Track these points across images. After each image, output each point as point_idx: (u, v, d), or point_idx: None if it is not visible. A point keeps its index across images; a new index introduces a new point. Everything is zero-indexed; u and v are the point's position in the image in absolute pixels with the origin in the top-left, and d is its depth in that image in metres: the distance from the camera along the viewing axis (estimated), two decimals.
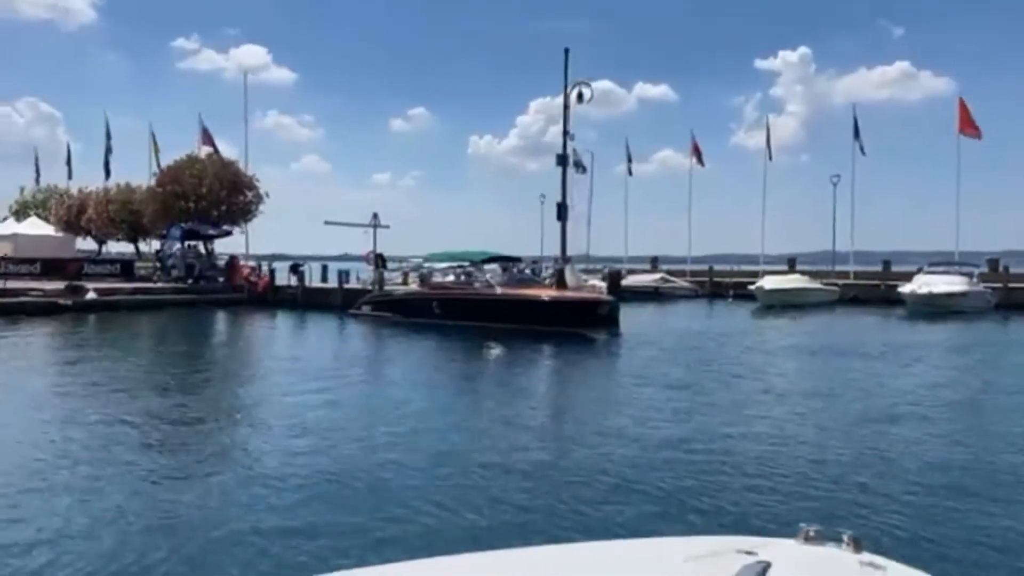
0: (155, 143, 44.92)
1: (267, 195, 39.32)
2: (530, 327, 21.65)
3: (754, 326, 27.71)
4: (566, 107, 26.36)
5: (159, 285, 33.26)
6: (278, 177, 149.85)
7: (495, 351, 19.14)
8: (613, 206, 49.26)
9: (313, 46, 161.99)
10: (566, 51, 26.41)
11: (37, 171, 57.56)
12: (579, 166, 58.95)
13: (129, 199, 41.31)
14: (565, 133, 26.56)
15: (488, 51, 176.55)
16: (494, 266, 25.55)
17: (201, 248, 36.97)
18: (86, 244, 49.40)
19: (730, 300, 39.18)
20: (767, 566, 1.58)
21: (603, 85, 57.33)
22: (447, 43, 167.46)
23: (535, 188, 50.61)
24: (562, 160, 26.62)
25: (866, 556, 1.84)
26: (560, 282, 25.02)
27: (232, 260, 36.18)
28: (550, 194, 55.01)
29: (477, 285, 23.51)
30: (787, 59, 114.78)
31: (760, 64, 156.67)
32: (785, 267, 49.89)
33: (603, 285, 28.00)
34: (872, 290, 39.90)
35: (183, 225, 34.95)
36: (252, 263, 37.41)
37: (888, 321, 30.54)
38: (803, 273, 42.97)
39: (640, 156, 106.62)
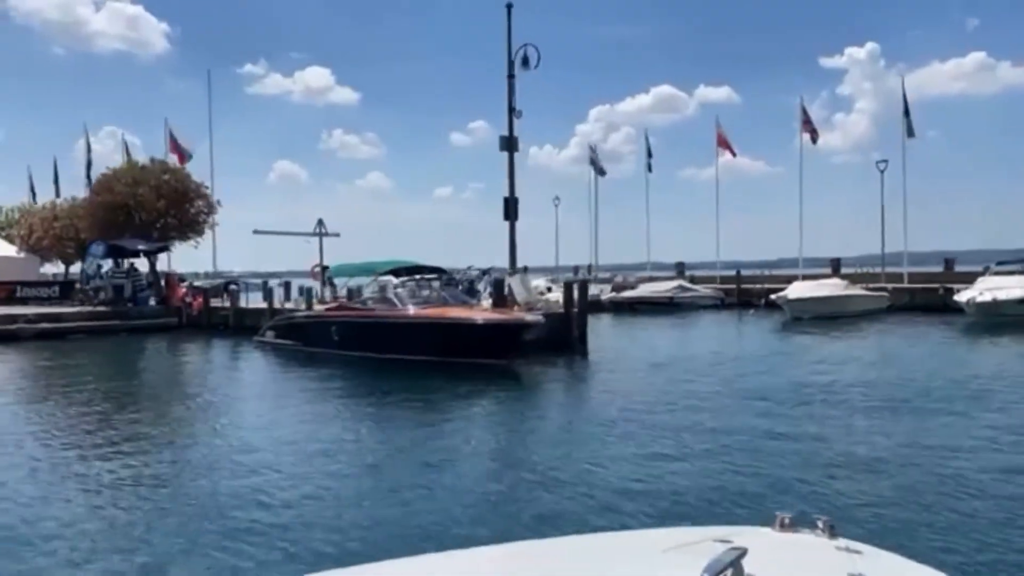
0: (127, 152, 40.77)
1: (219, 203, 34.90)
2: (444, 359, 16.29)
3: (771, 349, 21.63)
4: (511, 76, 20.94)
5: (74, 310, 28.94)
6: (344, 194, 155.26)
7: (348, 405, 13.85)
8: (676, 212, 43.99)
9: (374, 66, 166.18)
10: (508, 7, 21.02)
11: (32, 191, 54.81)
12: (598, 168, 53.80)
13: (76, 214, 37.41)
14: (511, 111, 21.13)
15: (547, 60, 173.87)
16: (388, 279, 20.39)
17: (142, 265, 32.67)
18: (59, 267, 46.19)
19: (753, 312, 32.91)
20: (743, 552, 1.49)
21: (664, 90, 52.17)
22: (501, 55, 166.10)
23: (601, 196, 45.83)
24: (508, 144, 21.17)
25: (841, 541, 1.85)
26: (500, 298, 19.57)
27: (168, 279, 31.74)
28: (611, 200, 50.26)
29: (383, 306, 18.15)
30: (854, 56, 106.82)
31: (825, 62, 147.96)
32: (828, 271, 43.32)
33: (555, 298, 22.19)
34: (929, 295, 33.16)
35: (108, 241, 30.63)
36: (203, 283, 32.94)
37: (945, 336, 24.11)
38: (847, 277, 36.36)
39: (703, 160, 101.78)
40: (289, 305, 25.98)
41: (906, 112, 38.38)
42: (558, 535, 2.96)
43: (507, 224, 21.06)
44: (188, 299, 30.29)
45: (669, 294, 37.55)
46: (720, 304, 38.64)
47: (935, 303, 31.69)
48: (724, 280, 43.02)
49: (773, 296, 29.53)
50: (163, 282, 31.87)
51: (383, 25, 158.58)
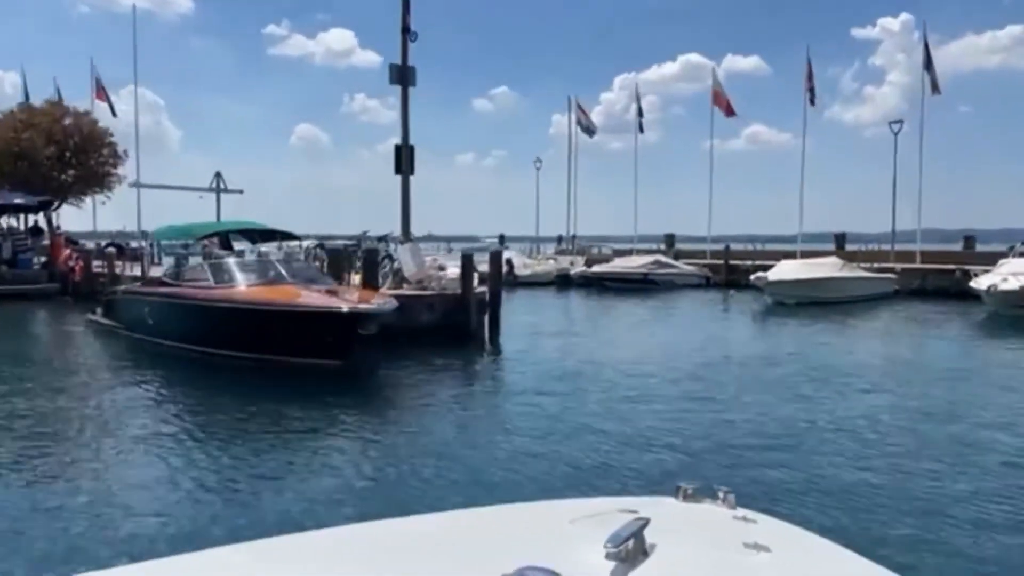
0: (26, 93, 36.14)
1: (125, 154, 30.54)
2: (260, 356, 11.86)
3: (732, 348, 16.94)
4: None
5: None
6: (366, 159, 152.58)
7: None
8: (696, 183, 39.19)
9: (398, 29, 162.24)
10: None
11: None
12: (588, 130, 48.73)
13: None
14: (405, 32, 16.45)
15: (572, 27, 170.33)
16: (271, 247, 15.86)
17: (31, 223, 28.50)
18: None
19: (732, 294, 28.11)
20: (646, 522, 1.54)
21: (691, 59, 46.82)
22: (531, 20, 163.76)
23: (618, 167, 40.76)
24: (400, 74, 16.51)
25: (740, 511, 1.90)
26: (370, 274, 15.03)
27: (53, 240, 27.50)
28: (630, 169, 45.26)
29: (192, 283, 13.62)
30: (887, 26, 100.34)
31: (857, 33, 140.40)
32: (831, 247, 38.35)
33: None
34: (944, 278, 28.23)
35: None
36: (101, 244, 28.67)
37: (957, 333, 19.40)
38: (850, 256, 31.47)
39: (729, 131, 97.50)
40: (156, 273, 21.62)
41: (928, 65, 33.09)
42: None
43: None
44: (71, 263, 26.10)
45: (643, 270, 32.79)
46: (705, 283, 33.89)
47: (950, 288, 26.80)
48: (714, 255, 38.15)
49: (753, 277, 24.69)
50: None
51: None
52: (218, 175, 23.96)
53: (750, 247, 38.80)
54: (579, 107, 45.27)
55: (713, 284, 33.65)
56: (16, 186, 27.67)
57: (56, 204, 29.10)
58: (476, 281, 16.31)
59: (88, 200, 32.00)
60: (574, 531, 1.69)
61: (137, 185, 26.04)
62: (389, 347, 13.63)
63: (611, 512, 1.73)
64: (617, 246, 46.09)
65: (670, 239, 43.82)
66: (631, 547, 1.47)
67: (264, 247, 17.57)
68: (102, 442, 8.26)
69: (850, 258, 29.98)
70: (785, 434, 8.59)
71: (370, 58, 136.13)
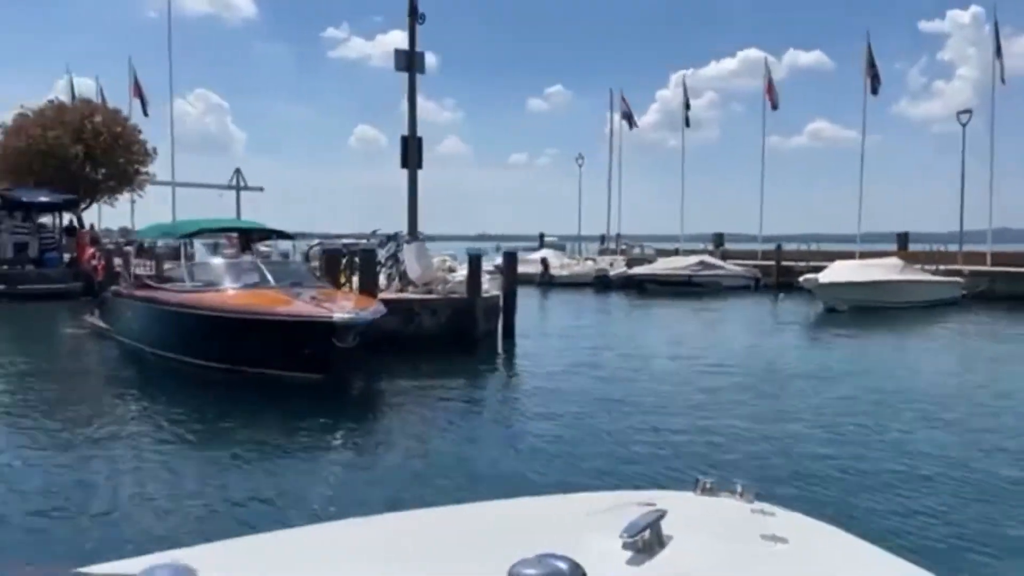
0: (72, 95, 36.12)
1: (155, 151, 30.10)
2: (233, 367, 10.74)
3: (773, 361, 15.14)
4: None
5: None
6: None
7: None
8: (754, 180, 37.37)
9: (456, 29, 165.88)
10: None
11: None
12: (629, 119, 46.97)
13: None
14: (413, 14, 15.17)
15: (628, 24, 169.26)
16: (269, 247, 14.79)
17: (59, 221, 28.19)
18: None
19: (782, 297, 26.05)
20: (662, 514, 1.55)
21: (751, 54, 44.87)
22: (585, 18, 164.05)
23: (674, 164, 39.18)
24: (407, 59, 15.25)
25: (757, 504, 1.89)
26: (368, 277, 13.78)
27: (78, 238, 27.10)
28: (684, 166, 43.40)
29: (169, 285, 12.59)
30: (957, 19, 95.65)
31: (925, 26, 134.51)
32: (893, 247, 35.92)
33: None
34: (1017, 281, 25.79)
35: (3, 191, 26.14)
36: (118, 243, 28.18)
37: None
38: (912, 256, 29.17)
39: (792, 128, 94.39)
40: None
41: (998, 51, 30.51)
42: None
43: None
44: (94, 262, 25.62)
45: (687, 272, 30.96)
46: (754, 285, 31.89)
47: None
48: (766, 256, 36.03)
49: (802, 279, 22.72)
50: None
51: None
52: (238, 172, 23.23)
53: (804, 247, 36.48)
54: (622, 98, 43.69)
55: (763, 286, 31.65)
56: (45, 184, 27.38)
57: (86, 203, 28.76)
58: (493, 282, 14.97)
59: (121, 199, 31.67)
60: (591, 522, 1.69)
61: (153, 183, 25.38)
62: (385, 356, 12.45)
63: (628, 505, 1.73)
64: (662, 246, 44.26)
65: (718, 238, 41.80)
66: (647, 537, 1.48)
67: (270, 246, 16.58)
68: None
69: (912, 259, 27.73)
70: (824, 474, 7.01)
71: (428, 60, 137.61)
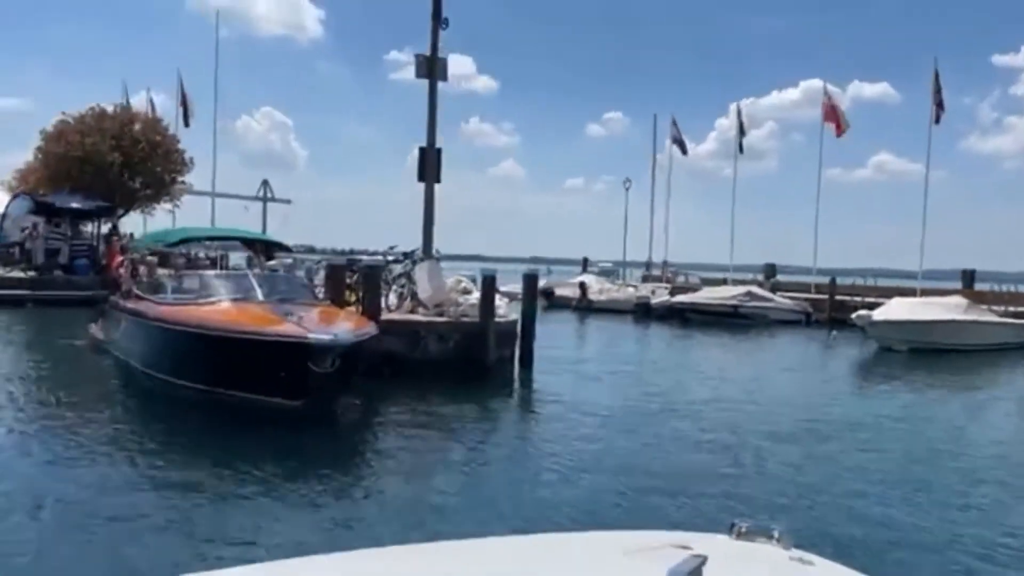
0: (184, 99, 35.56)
1: (192, 162, 29.88)
2: (210, 388, 9.83)
3: (818, 406, 13.60)
4: None
5: None
6: (475, 181, 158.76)
7: None
8: (811, 212, 35.73)
9: (516, 54, 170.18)
10: None
11: None
12: (681, 144, 45.57)
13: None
14: (436, 18, 14.27)
15: (689, 52, 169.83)
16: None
17: (99, 228, 28.05)
18: None
19: (833, 336, 24.24)
20: (704, 560, 1.49)
21: (814, 84, 43.49)
22: (646, 46, 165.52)
23: (729, 193, 37.92)
24: (428, 66, 14.31)
25: (795, 552, 1.86)
26: (370, 298, 12.76)
27: (109, 244, 26.83)
28: (736, 192, 41.78)
29: (150, 296, 11.78)
30: None
31: (999, 60, 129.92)
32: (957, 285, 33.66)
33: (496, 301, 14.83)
34: None
35: (34, 196, 26.07)
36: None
37: None
38: (977, 296, 27.07)
39: (855, 160, 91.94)
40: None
41: None
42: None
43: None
44: (121, 270, 25.29)
45: (733, 302, 29.31)
46: (805, 319, 30.05)
47: None
48: (819, 289, 34.08)
49: (855, 315, 20.96)
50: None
51: (526, 13, 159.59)
52: (265, 183, 22.77)
53: (860, 281, 34.44)
54: (673, 123, 42.35)
55: (814, 321, 29.78)
56: (83, 191, 27.28)
57: (122, 211, 28.59)
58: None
59: (159, 208, 31.55)
60: (629, 564, 1.67)
61: (190, 193, 25.03)
62: (386, 381, 11.46)
63: (663, 547, 1.72)
64: (710, 275, 42.52)
65: (770, 269, 39.81)
66: None
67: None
68: None
69: (978, 299, 25.67)
70: (866, 532, 5.63)
71: (487, 83, 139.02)
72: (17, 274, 24.94)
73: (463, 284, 14.19)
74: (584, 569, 1.65)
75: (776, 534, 1.90)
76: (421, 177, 14.24)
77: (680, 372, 17.22)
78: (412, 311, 13.83)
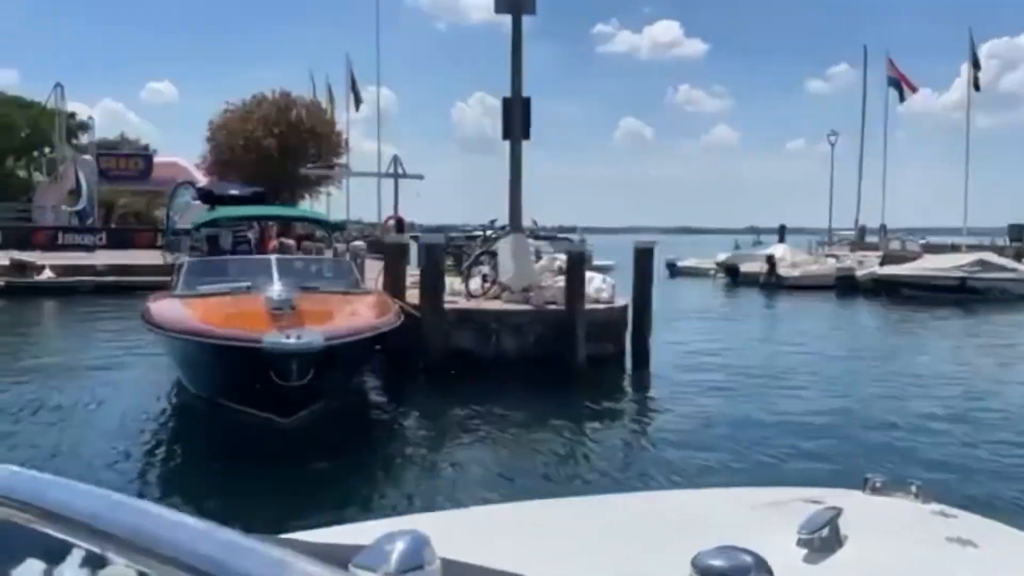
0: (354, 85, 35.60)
1: (346, 144, 29.40)
2: (212, 398, 8.22)
3: None
4: None
5: (149, 263, 25.39)
6: (687, 149, 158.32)
7: None
8: None
9: (725, 14, 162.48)
10: None
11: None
12: (899, 88, 38.81)
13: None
14: None
15: None
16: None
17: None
18: None
19: None
20: (839, 512, 1.43)
21: None
22: None
23: (983, 147, 32.66)
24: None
25: (935, 506, 1.77)
26: (430, 279, 10.40)
27: (264, 230, 26.86)
28: (969, 142, 35.40)
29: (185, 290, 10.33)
30: None
31: None
32: None
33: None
34: None
35: (195, 184, 26.59)
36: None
37: None
38: None
39: None
40: None
41: None
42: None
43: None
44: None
45: (960, 273, 23.64)
46: None
47: None
48: None
49: None
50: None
51: None
52: (395, 159, 21.17)
53: None
54: (889, 62, 35.88)
55: None
56: (245, 177, 27.69)
57: (286, 196, 28.75)
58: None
59: (325, 192, 31.63)
60: (761, 516, 1.66)
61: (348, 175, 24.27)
62: (449, 383, 9.28)
63: (796, 501, 1.69)
64: (939, 239, 35.79)
65: (1016, 231, 32.55)
66: (825, 535, 1.40)
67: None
68: None
69: None
70: None
71: (695, 47, 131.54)
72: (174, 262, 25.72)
73: (558, 263, 11.44)
74: (716, 522, 1.57)
75: (914, 488, 1.82)
76: (506, 135, 11.64)
77: (874, 371, 12.42)
78: (497, 296, 11.37)
